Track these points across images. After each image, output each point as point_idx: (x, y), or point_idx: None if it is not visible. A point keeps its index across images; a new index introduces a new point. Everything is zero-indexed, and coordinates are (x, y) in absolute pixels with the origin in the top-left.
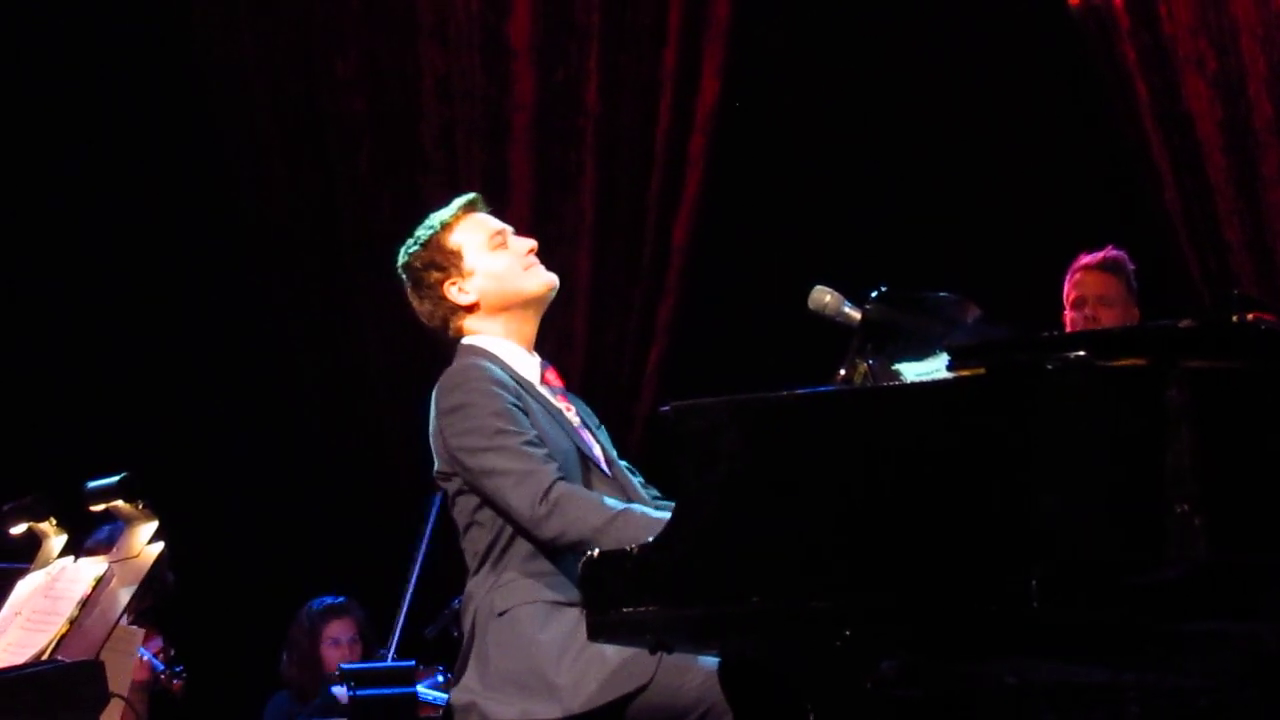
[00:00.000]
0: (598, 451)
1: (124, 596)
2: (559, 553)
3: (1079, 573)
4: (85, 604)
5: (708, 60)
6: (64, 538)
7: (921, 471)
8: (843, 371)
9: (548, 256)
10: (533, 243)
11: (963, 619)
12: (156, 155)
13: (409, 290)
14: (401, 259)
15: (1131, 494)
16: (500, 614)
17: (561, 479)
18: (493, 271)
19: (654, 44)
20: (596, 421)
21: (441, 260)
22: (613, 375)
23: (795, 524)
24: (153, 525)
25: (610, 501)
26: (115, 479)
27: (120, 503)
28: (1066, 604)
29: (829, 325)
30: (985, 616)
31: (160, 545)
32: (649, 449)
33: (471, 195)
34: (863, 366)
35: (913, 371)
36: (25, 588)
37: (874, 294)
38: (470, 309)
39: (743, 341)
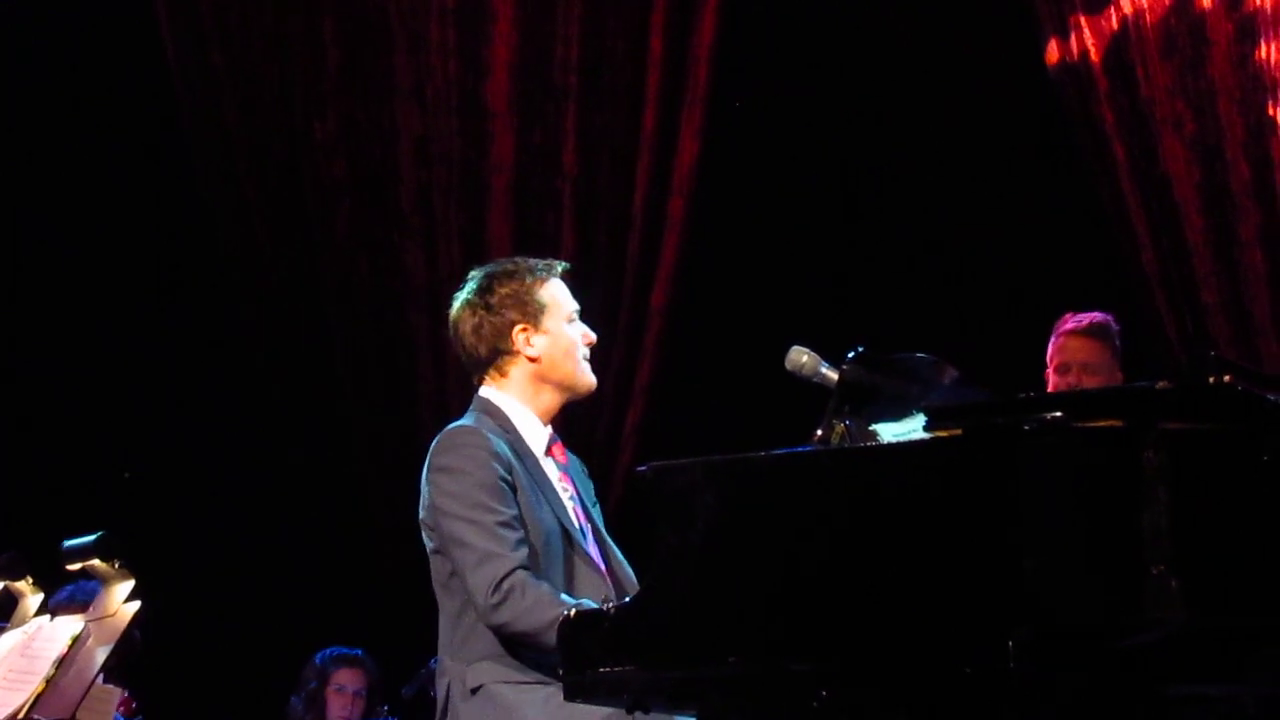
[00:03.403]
0: (588, 531)
1: (100, 655)
2: (508, 641)
3: (1056, 635)
4: (62, 663)
5: (686, 122)
6: (40, 596)
7: (898, 533)
8: (819, 432)
9: None
10: (594, 338)
11: (940, 681)
12: (139, 218)
13: (467, 309)
14: (481, 282)
15: (1108, 556)
16: (473, 690)
17: (522, 568)
18: (562, 344)
19: (633, 106)
20: (594, 499)
21: (526, 306)
22: (591, 436)
23: (772, 585)
24: (129, 584)
25: (565, 597)
26: (92, 538)
27: (97, 561)
28: (1044, 666)
29: (806, 386)
30: (962, 679)
31: (137, 604)
32: (626, 509)
33: (566, 264)
34: (840, 427)
35: (890, 432)
36: (2, 646)
37: (851, 355)
38: (529, 360)
39: (720, 402)
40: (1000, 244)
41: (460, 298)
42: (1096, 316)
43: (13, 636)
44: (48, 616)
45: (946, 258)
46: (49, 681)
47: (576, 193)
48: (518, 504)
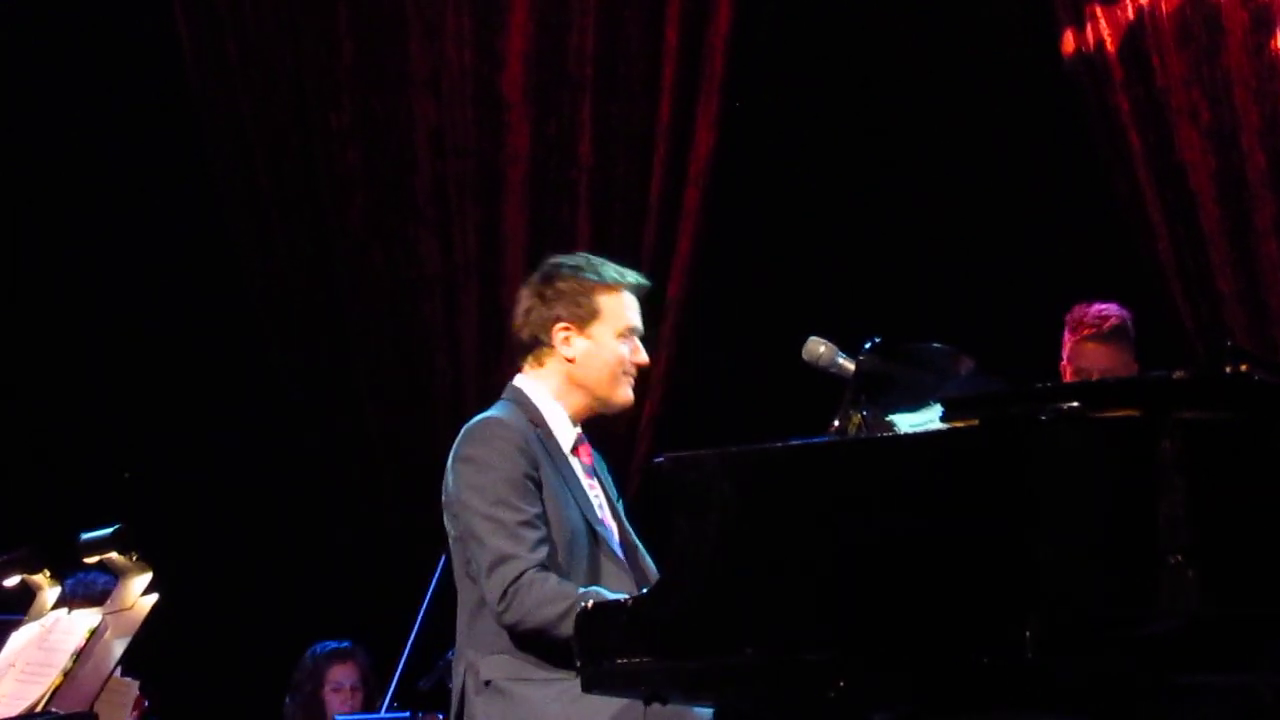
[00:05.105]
0: (613, 531)
1: (118, 648)
2: (522, 638)
3: (1073, 624)
4: (79, 656)
5: (702, 112)
6: (58, 589)
7: (915, 523)
8: (837, 423)
9: None
10: (646, 361)
11: (957, 671)
12: (154, 210)
13: (528, 291)
14: (547, 269)
15: (1125, 545)
16: (486, 683)
17: (537, 568)
18: (602, 356)
19: (649, 96)
20: (617, 496)
21: (577, 307)
22: (607, 427)
23: (788, 575)
24: (146, 577)
25: (569, 588)
26: (109, 530)
27: (114, 554)
28: (1060, 655)
29: (823, 376)
30: (979, 668)
31: (154, 597)
32: (643, 500)
33: (645, 281)
34: (857, 418)
35: (906, 423)
36: (19, 639)
37: (868, 345)
38: (565, 359)
39: (737, 393)
40: (1016, 234)
41: (529, 278)
42: (1113, 318)
43: (30, 629)
44: (65, 609)
45: (962, 247)
46: (66, 674)
47: (592, 183)
48: (542, 502)
